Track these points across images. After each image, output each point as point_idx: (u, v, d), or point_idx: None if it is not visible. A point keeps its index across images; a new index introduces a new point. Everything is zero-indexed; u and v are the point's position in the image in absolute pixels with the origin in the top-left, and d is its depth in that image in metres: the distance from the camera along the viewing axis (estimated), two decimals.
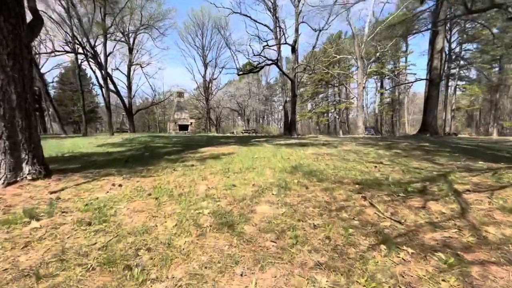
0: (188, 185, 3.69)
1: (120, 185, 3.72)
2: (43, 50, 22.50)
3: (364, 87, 22.95)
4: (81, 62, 18.98)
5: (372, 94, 50.74)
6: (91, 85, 37.91)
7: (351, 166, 4.80)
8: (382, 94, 43.73)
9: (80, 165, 5.29)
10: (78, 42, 16.49)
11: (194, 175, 4.29)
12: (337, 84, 43.49)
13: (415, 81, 18.64)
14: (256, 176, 4.14)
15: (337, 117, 44.88)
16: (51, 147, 8.74)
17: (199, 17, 32.40)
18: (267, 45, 13.71)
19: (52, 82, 36.64)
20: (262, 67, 13.49)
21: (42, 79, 17.87)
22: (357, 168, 4.63)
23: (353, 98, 46.04)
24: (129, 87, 28.36)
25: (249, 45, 13.10)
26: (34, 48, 23.12)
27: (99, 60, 17.01)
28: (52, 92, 39.41)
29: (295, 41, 14.68)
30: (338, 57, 23.79)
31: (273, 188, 3.50)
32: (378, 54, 26.28)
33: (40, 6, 15.57)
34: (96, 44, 18.66)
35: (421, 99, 49.17)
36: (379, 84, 45.00)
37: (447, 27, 14.65)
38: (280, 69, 14.42)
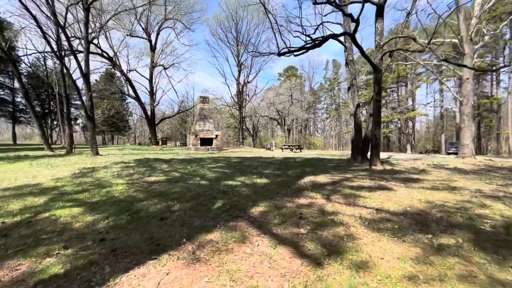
0: None
1: None
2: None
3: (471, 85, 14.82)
4: (61, 55, 14.40)
5: (429, 98, 40.19)
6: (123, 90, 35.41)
7: None
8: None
9: None
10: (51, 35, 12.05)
11: None
12: (403, 85, 34.47)
13: None
14: None
15: (402, 128, 35.53)
16: None
17: (232, 6, 27.50)
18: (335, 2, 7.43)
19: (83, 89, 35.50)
20: (325, 40, 7.23)
21: (21, 82, 14.24)
22: None
23: (429, 103, 36.15)
24: (152, 93, 24.44)
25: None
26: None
27: (62, 53, 11.90)
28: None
29: None
30: (433, 40, 16.08)
31: None
32: (486, 37, 17.92)
33: None
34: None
35: None
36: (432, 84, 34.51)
37: None
38: (357, 45, 7.95)
